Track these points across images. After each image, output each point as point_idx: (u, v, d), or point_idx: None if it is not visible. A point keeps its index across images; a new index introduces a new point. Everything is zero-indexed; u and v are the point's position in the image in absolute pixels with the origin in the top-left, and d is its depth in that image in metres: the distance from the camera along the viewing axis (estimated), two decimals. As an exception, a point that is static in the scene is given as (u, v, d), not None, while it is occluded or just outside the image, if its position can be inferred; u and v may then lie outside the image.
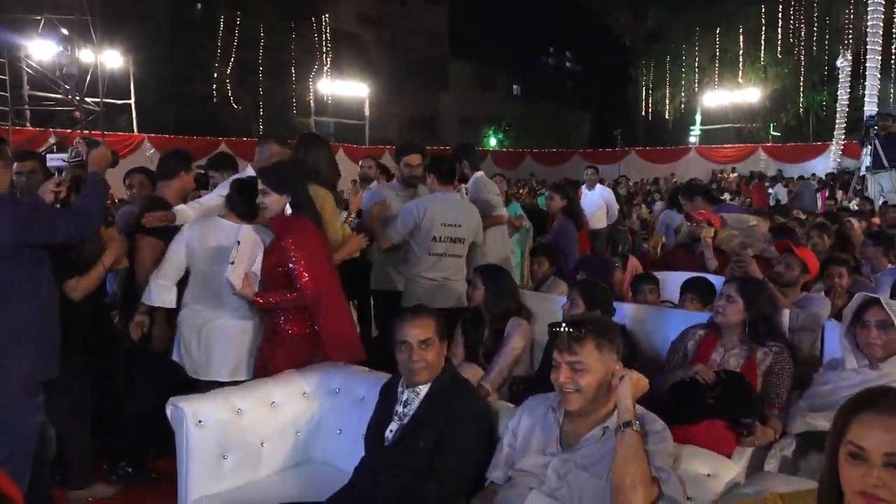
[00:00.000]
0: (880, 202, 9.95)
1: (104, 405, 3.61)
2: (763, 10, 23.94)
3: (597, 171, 9.23)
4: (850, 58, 19.29)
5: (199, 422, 2.67)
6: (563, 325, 2.06)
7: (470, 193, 4.91)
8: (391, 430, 2.43)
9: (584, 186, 8.89)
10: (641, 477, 1.87)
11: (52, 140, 14.22)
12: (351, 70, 25.37)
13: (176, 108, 22.03)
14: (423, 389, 2.44)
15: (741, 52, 25.02)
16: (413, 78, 30.42)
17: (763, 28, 24.28)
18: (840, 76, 19.70)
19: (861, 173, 11.17)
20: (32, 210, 2.64)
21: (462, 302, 4.00)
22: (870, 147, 10.62)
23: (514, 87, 38.51)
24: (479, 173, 5.07)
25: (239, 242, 3.02)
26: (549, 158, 26.70)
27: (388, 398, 2.55)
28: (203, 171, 4.28)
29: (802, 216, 7.94)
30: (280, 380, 3.02)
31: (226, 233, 3.22)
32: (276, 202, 3.11)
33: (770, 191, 15.59)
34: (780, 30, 23.90)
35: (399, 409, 2.47)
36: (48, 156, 2.83)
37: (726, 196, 12.67)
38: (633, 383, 2.02)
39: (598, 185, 9.02)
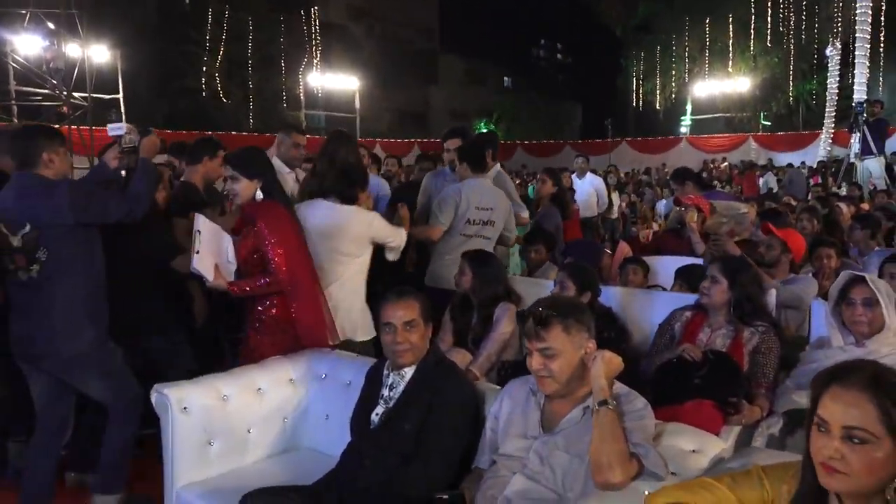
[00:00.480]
0: (869, 188, 10.00)
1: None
2: (752, 0, 23.96)
3: (587, 160, 9.22)
4: (839, 46, 19.32)
5: (185, 408, 2.65)
6: (528, 312, 2.05)
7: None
8: (377, 414, 2.42)
9: (574, 175, 8.89)
10: (619, 455, 1.86)
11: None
12: (341, 63, 25.26)
13: (165, 102, 21.89)
14: (409, 372, 2.43)
15: (731, 41, 25.04)
16: (403, 71, 30.33)
17: (752, 17, 24.30)
18: (829, 65, 19.72)
19: (850, 160, 11.20)
20: (89, 193, 2.95)
21: None
22: (858, 133, 10.64)
23: (505, 79, 38.45)
24: (499, 166, 5.08)
25: (200, 231, 2.94)
26: (541, 150, 26.72)
27: (373, 382, 2.54)
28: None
29: (794, 202, 7.99)
30: (266, 366, 3.00)
31: (323, 212, 3.46)
32: (246, 188, 3.06)
33: (760, 180, 15.65)
34: (769, 19, 23.91)
35: (385, 392, 2.46)
36: (109, 125, 3.12)
37: (716, 185, 12.69)
38: (605, 363, 2.01)
39: (589, 174, 9.02)
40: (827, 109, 19.06)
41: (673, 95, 26.97)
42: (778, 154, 21.55)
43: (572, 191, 8.03)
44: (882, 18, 18.93)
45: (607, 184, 9.56)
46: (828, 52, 20.02)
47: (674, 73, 26.74)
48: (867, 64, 16.16)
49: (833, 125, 18.76)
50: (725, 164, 20.89)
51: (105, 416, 3.11)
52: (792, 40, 23.99)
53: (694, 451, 2.04)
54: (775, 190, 13.76)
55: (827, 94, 19.46)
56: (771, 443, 2.69)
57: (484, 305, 3.51)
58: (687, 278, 3.81)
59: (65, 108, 15.14)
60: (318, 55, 24.11)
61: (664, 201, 7.18)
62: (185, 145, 4.82)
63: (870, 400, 1.31)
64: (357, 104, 24.84)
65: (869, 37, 16.34)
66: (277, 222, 3.06)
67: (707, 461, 1.98)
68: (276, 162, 3.98)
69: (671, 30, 26.36)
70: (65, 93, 14.72)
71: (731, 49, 25.16)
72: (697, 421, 2.43)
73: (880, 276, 3.81)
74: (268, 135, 18.58)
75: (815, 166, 16.37)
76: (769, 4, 23.71)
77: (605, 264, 4.53)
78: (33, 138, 2.90)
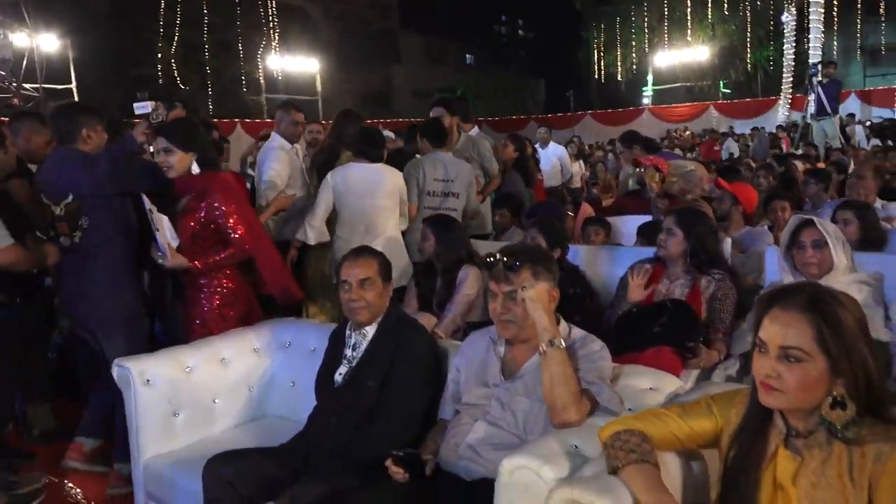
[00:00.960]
0: (825, 147, 10.20)
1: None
2: (709, -32, 24.11)
3: (549, 131, 9.24)
4: (794, 12, 19.51)
5: (147, 381, 2.63)
6: (498, 255, 2.06)
7: (462, 153, 4.86)
8: (340, 374, 2.43)
9: (537, 145, 8.90)
10: (571, 395, 1.89)
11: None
12: (300, 45, 24.83)
13: (120, 91, 21.33)
14: (371, 331, 2.44)
15: (689, 10, 25.17)
16: (364, 51, 29.96)
17: (710, -15, 24.46)
18: (785, 31, 19.92)
19: (806, 121, 11.39)
20: (126, 166, 3.15)
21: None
22: (813, 95, 10.83)
23: (468, 56, 38.25)
24: (475, 130, 5.28)
25: (152, 211, 2.88)
26: (505, 125, 26.60)
27: (336, 344, 2.54)
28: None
29: (753, 164, 8.13)
30: (229, 336, 2.99)
31: (362, 174, 3.95)
32: (181, 160, 2.99)
33: (722, 146, 15.86)
34: (726, -14, 24.10)
35: (348, 352, 2.47)
36: (135, 104, 3.37)
37: (678, 152, 12.84)
38: (536, 300, 1.99)
39: (552, 144, 9.03)
40: (784, 75, 19.32)
41: (634, 66, 27.08)
42: (738, 121, 21.79)
43: (536, 159, 8.04)
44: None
45: (570, 154, 9.60)
46: (783, 18, 20.23)
47: (634, 44, 26.83)
48: (821, 29, 16.40)
49: (791, 90, 19.03)
50: (688, 132, 21.11)
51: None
52: (748, 7, 24.20)
53: (651, 388, 2.09)
54: (736, 155, 13.97)
55: (784, 59, 19.70)
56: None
57: (447, 269, 3.53)
58: (648, 235, 3.86)
59: (15, 100, 14.74)
60: (276, 38, 23.65)
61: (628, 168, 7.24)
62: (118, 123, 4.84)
63: (806, 321, 1.35)
64: (318, 87, 24.47)
65: (823, 2, 16.56)
66: (229, 192, 3.03)
67: (663, 398, 2.03)
68: (278, 138, 4.33)
69: (630, 0, 26.41)
70: (14, 84, 14.31)
71: (689, 18, 25.29)
72: (657, 366, 2.47)
73: (833, 222, 3.92)
74: (226, 120, 18.25)
75: (774, 131, 16.62)
76: (725, -28, 23.89)
77: (568, 226, 4.58)
78: (74, 115, 3.13)
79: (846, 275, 2.76)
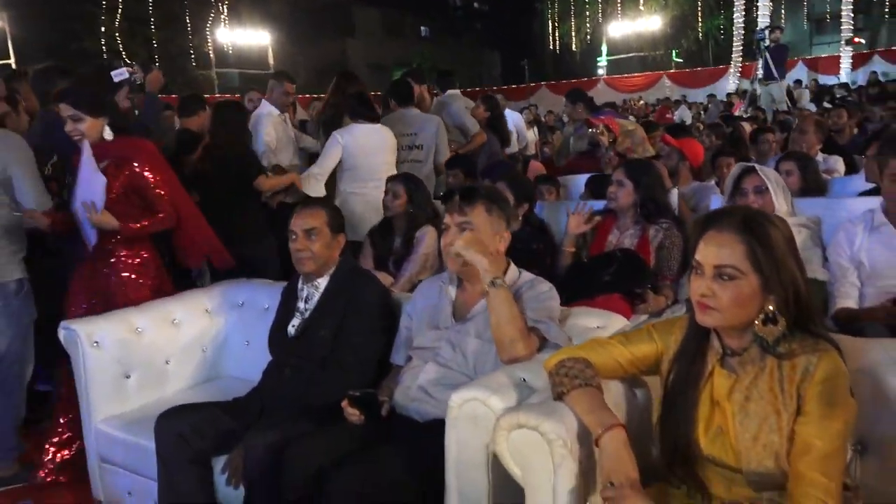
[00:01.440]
0: (772, 111, 10.43)
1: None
2: (660, -64, 24.23)
3: (503, 97, 9.25)
4: (744, -20, 19.79)
5: (95, 343, 2.59)
6: (456, 189, 2.10)
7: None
8: (293, 326, 2.43)
9: (492, 113, 8.90)
10: (518, 331, 1.93)
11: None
12: (251, 17, 24.24)
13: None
14: (323, 283, 2.44)
15: (641, -21, 25.32)
16: (317, 24, 29.37)
17: (661, -46, 24.61)
18: (735, -1, 20.24)
19: (753, 85, 11.64)
20: None
21: None
22: (761, 59, 11.04)
23: (423, 29, 37.83)
24: (446, 95, 5.57)
25: (86, 159, 2.80)
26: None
27: (289, 298, 2.54)
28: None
29: (702, 127, 8.28)
30: (180, 298, 2.96)
31: (368, 133, 4.24)
32: (92, 126, 2.85)
33: (675, 114, 16.09)
34: (676, -45, 24.28)
35: (300, 305, 2.46)
36: (113, 72, 3.66)
37: (632, 118, 12.97)
38: (469, 244, 2.00)
39: (507, 111, 9.04)
40: (734, 44, 19.62)
41: (588, 37, 27.17)
42: (691, 90, 22.09)
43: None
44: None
45: (525, 121, 9.63)
46: (733, -14, 20.48)
47: (588, 14, 26.89)
48: (770, -4, 16.67)
49: (741, 59, 19.35)
50: (642, 102, 21.33)
51: None
52: (699, -24, 24.46)
53: (598, 327, 2.14)
54: (689, 122, 14.18)
55: (734, 28, 20.00)
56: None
57: (411, 228, 3.52)
58: (595, 187, 3.92)
59: (-50, 77, 14.07)
60: (225, 10, 23.02)
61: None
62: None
63: (739, 240, 1.40)
64: (271, 60, 23.98)
65: (771, -31, 16.81)
66: (154, 159, 2.96)
67: (610, 333, 2.07)
68: (268, 105, 4.63)
69: (583, -30, 26.43)
70: (-52, 59, 13.67)
71: (642, -13, 25.44)
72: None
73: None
74: (175, 95, 17.76)
75: (725, 99, 16.90)
76: (676, -60, 24.04)
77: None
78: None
79: (786, 219, 2.84)
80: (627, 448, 1.43)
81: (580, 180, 4.50)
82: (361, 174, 4.25)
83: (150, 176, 2.91)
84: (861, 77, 17.93)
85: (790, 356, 1.40)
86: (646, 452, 1.62)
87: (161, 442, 2.20)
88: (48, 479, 2.93)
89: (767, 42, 11.07)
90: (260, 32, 23.92)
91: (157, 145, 3.40)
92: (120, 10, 19.94)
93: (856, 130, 6.83)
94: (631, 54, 26.36)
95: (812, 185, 3.64)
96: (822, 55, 22.12)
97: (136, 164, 2.89)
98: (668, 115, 15.22)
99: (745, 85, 17.60)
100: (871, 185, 3.53)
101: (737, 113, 11.54)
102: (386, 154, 4.33)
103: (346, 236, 2.51)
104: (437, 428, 1.77)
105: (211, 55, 22.59)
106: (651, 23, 25.61)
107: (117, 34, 20.11)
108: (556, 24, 27.77)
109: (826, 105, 10.54)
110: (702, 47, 26.07)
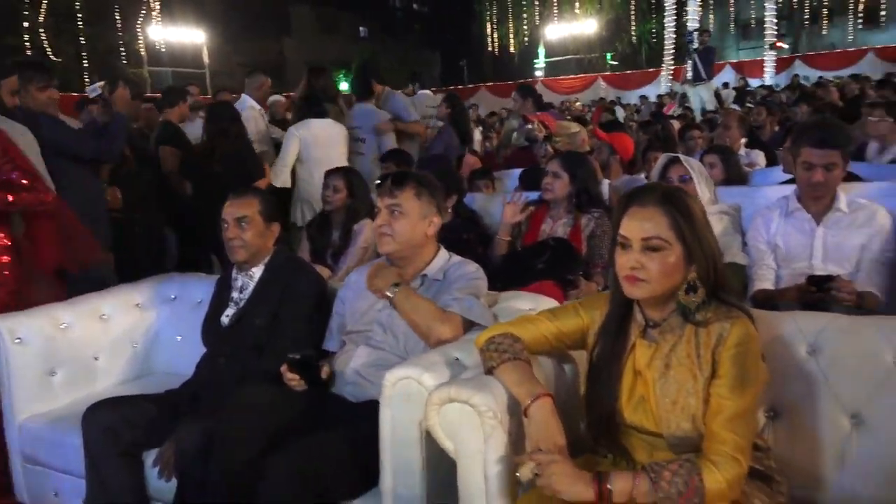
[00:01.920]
0: (700, 111, 10.82)
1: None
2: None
3: (444, 96, 9.30)
4: (673, -13, 20.42)
5: (18, 339, 2.50)
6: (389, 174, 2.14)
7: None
8: (227, 316, 2.40)
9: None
10: (432, 315, 1.98)
11: None
12: (184, 15, 23.63)
13: (-17, 63, 19.56)
14: (258, 272, 2.42)
15: (577, -18, 25.83)
16: (253, 22, 28.88)
17: (596, -42, 25.16)
18: (666, 4, 20.84)
19: (682, 87, 12.05)
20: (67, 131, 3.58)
21: None
22: (690, 61, 11.44)
23: (361, 29, 37.65)
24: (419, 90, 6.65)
25: None
26: (402, 99, 26.47)
27: (223, 289, 2.51)
28: None
29: (633, 125, 8.57)
30: (108, 293, 2.90)
31: (321, 126, 4.72)
32: None
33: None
34: (611, -40, 24.85)
35: (235, 294, 2.44)
36: (88, 88, 4.21)
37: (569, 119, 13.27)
38: (374, 274, 2.12)
39: (449, 110, 9.10)
40: (666, 47, 20.23)
41: (526, 39, 27.55)
42: (625, 92, 22.67)
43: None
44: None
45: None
46: (663, -8, 21.15)
47: (525, 17, 27.28)
48: (699, 2, 17.25)
49: (672, 62, 19.97)
50: (578, 103, 21.77)
51: None
52: (632, -19, 25.11)
53: (530, 309, 2.18)
54: (623, 120, 14.56)
55: (665, 32, 20.62)
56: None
57: (350, 220, 3.51)
58: (529, 180, 4.01)
59: None
60: (157, 6, 22.35)
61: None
62: None
63: (662, 212, 1.47)
64: (206, 59, 23.43)
65: (700, -25, 17.42)
66: (8, 145, 2.84)
67: (540, 314, 2.12)
68: (249, 100, 5.20)
69: (520, -27, 26.78)
70: None
71: (577, -9, 25.96)
72: (540, 297, 2.60)
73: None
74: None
75: (657, 101, 17.42)
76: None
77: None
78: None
79: (709, 206, 2.97)
80: (555, 416, 1.47)
81: (515, 174, 4.58)
82: (318, 164, 4.46)
83: (17, 164, 2.81)
84: (784, 80, 18.76)
85: (706, 324, 1.48)
86: (574, 426, 1.67)
87: (89, 435, 2.14)
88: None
89: (696, 44, 11.47)
90: (194, 31, 23.35)
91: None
92: (45, 5, 19.13)
93: (777, 128, 7.16)
94: (568, 56, 26.85)
95: (734, 176, 3.81)
96: (748, 59, 23.04)
97: None
98: (604, 115, 15.57)
99: (677, 87, 18.21)
100: (788, 176, 3.71)
101: (668, 113, 11.94)
102: (340, 146, 4.77)
103: (280, 225, 2.50)
104: (372, 408, 1.79)
105: (143, 53, 21.90)
106: (587, 26, 26.15)
107: (41, 30, 19.29)
108: (495, 27, 28.06)
109: (749, 105, 11.00)
110: (635, 50, 26.77)
